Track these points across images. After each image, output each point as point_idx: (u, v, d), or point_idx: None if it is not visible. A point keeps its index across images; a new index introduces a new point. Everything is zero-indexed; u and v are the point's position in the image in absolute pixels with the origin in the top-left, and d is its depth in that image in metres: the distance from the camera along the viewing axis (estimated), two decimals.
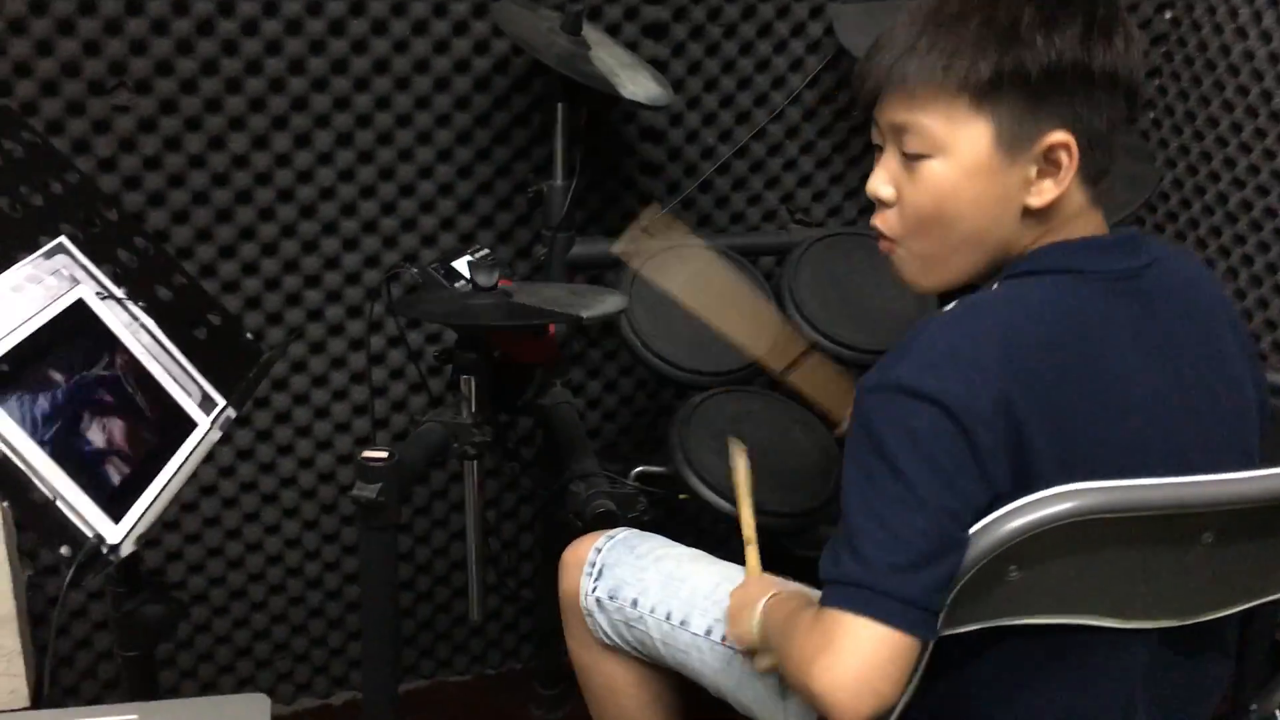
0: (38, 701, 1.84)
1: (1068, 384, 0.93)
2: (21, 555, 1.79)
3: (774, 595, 1.11)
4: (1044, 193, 0.99)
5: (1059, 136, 0.97)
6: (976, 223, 1.01)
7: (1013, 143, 0.98)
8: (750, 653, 1.15)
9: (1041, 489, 0.91)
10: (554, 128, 1.72)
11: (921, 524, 0.89)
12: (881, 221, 1.07)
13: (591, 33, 1.71)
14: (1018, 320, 0.95)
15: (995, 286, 1.01)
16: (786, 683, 1.00)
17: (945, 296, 1.07)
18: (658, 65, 1.85)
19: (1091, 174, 1.01)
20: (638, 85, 1.68)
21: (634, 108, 1.87)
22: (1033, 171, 0.99)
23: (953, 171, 1.00)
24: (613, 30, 1.84)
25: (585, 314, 1.42)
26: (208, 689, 1.97)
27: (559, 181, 1.74)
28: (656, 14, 1.85)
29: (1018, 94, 0.97)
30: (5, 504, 1.70)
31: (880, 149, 1.07)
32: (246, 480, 1.88)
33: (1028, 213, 1.00)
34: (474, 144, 1.83)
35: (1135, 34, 1.00)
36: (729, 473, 1.37)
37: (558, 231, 1.76)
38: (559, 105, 1.71)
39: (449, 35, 1.76)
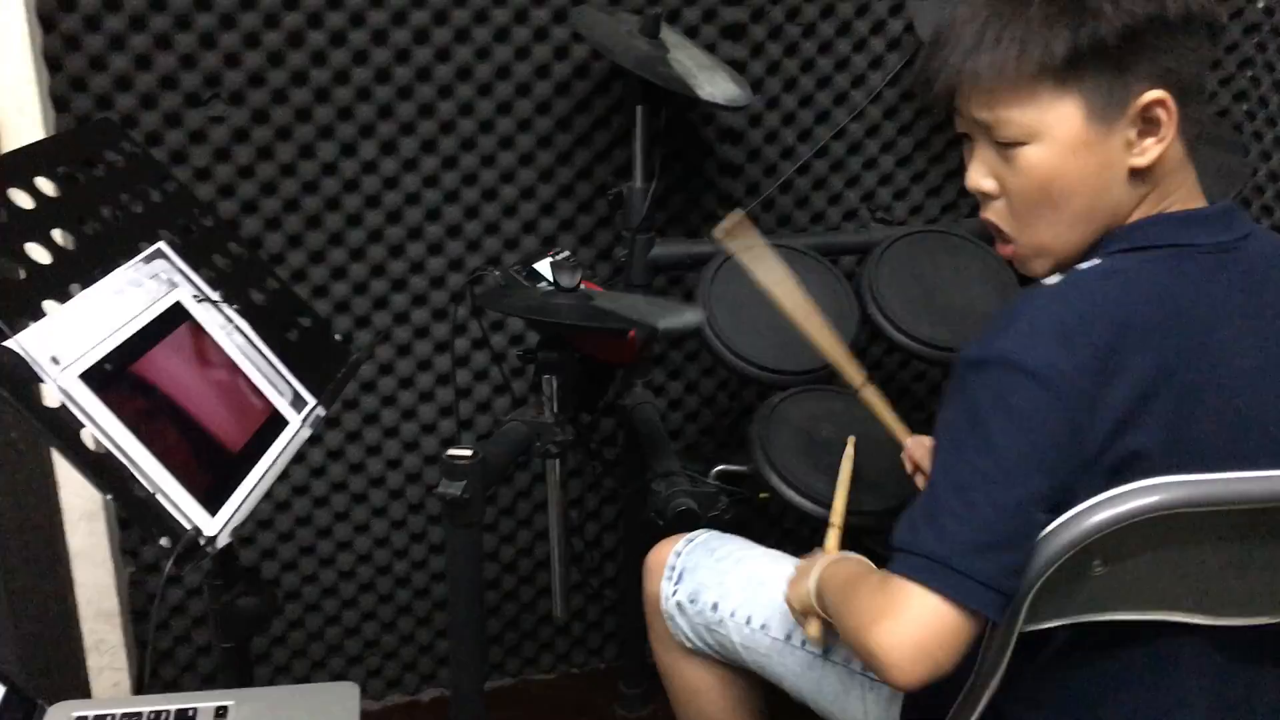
0: (139, 693, 1.90)
1: (1173, 363, 0.91)
2: (124, 554, 1.86)
3: (834, 562, 1.11)
4: (1147, 151, 0.96)
5: (1153, 94, 0.95)
6: (1087, 196, 0.98)
7: (1106, 112, 0.95)
8: (803, 615, 1.15)
9: (1142, 473, 0.89)
10: (633, 130, 1.74)
11: (1007, 503, 0.88)
12: (993, 214, 1.05)
13: (670, 35, 1.73)
14: (1123, 297, 0.93)
15: (1097, 261, 0.98)
16: (843, 638, 1.01)
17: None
18: (736, 66, 1.86)
19: (1188, 124, 0.97)
20: (716, 86, 1.69)
21: (712, 109, 1.87)
22: (1133, 133, 0.96)
23: (1052, 153, 0.97)
24: (691, 32, 1.85)
25: (661, 324, 1.43)
26: (297, 683, 2.02)
27: (639, 183, 1.76)
28: (735, 15, 1.85)
29: (1100, 64, 0.94)
30: (109, 499, 1.77)
31: (968, 138, 1.04)
32: (337, 480, 1.93)
33: (1134, 174, 0.98)
34: (555, 148, 1.85)
35: None
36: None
37: (638, 233, 1.77)
38: (638, 108, 1.72)
39: (530, 41, 1.78)
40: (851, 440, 1.44)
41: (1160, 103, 0.95)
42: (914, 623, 0.88)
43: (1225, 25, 0.92)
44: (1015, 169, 0.99)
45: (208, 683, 1.99)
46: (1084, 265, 0.97)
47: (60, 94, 1.63)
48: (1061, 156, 0.97)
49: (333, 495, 1.93)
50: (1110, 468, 0.90)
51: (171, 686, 1.98)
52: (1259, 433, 0.94)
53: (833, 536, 1.28)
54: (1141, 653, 0.97)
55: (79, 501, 1.77)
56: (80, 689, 1.86)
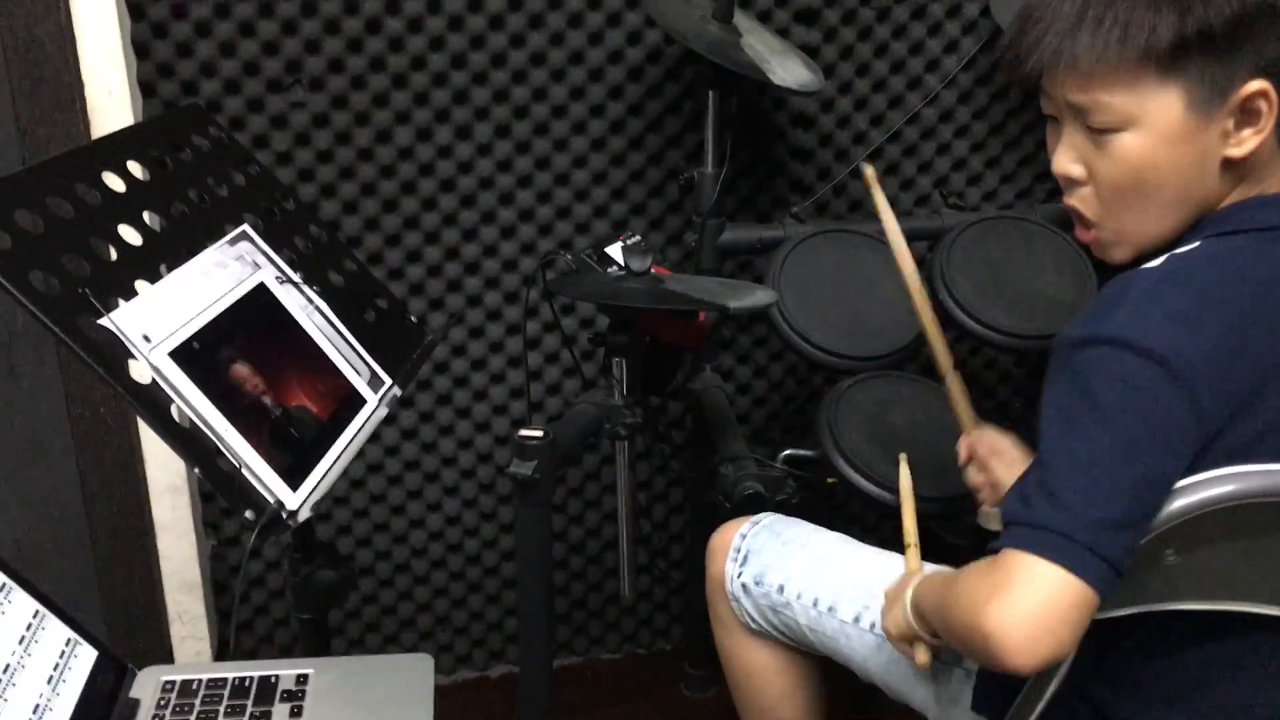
0: (219, 660, 1.96)
1: (1269, 349, 0.89)
2: (206, 527, 1.91)
3: (924, 577, 1.08)
4: (1244, 142, 0.94)
5: (1256, 85, 0.92)
6: (1179, 187, 0.96)
7: (1207, 102, 0.93)
8: (906, 643, 1.12)
9: (1258, 457, 0.88)
10: (705, 115, 1.74)
11: (1131, 481, 0.86)
12: (1078, 201, 1.02)
13: (742, 20, 1.73)
14: (1227, 281, 0.91)
15: (1197, 244, 0.95)
16: (953, 643, 0.95)
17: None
18: (809, 51, 1.85)
19: None
20: (788, 71, 1.69)
21: (784, 94, 1.87)
22: (1230, 124, 0.94)
23: (1148, 142, 0.95)
24: (764, 17, 1.85)
25: (733, 304, 1.43)
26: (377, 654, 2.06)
27: (710, 169, 1.76)
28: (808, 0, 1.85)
29: (1206, 53, 0.91)
30: (195, 473, 1.82)
31: (1055, 121, 1.02)
32: (410, 459, 1.97)
33: (1227, 164, 0.95)
34: (627, 133, 1.87)
35: None
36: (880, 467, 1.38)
37: (708, 218, 1.78)
38: (710, 93, 1.73)
39: (603, 27, 1.79)
40: (903, 458, 1.42)
41: (1263, 94, 0.92)
42: (1035, 597, 0.83)
43: None
44: (1108, 155, 0.97)
45: (285, 653, 2.05)
46: (1183, 249, 0.95)
47: (147, 80, 1.68)
48: (1157, 145, 0.94)
49: (406, 474, 1.97)
50: (1227, 453, 0.88)
51: (250, 656, 2.04)
52: None
53: (913, 556, 1.25)
54: (1224, 644, 0.95)
55: (163, 475, 1.83)
56: (164, 657, 1.93)
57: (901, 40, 1.91)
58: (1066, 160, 1.00)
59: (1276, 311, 0.90)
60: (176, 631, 1.93)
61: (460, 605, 2.08)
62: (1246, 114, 0.93)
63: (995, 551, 0.89)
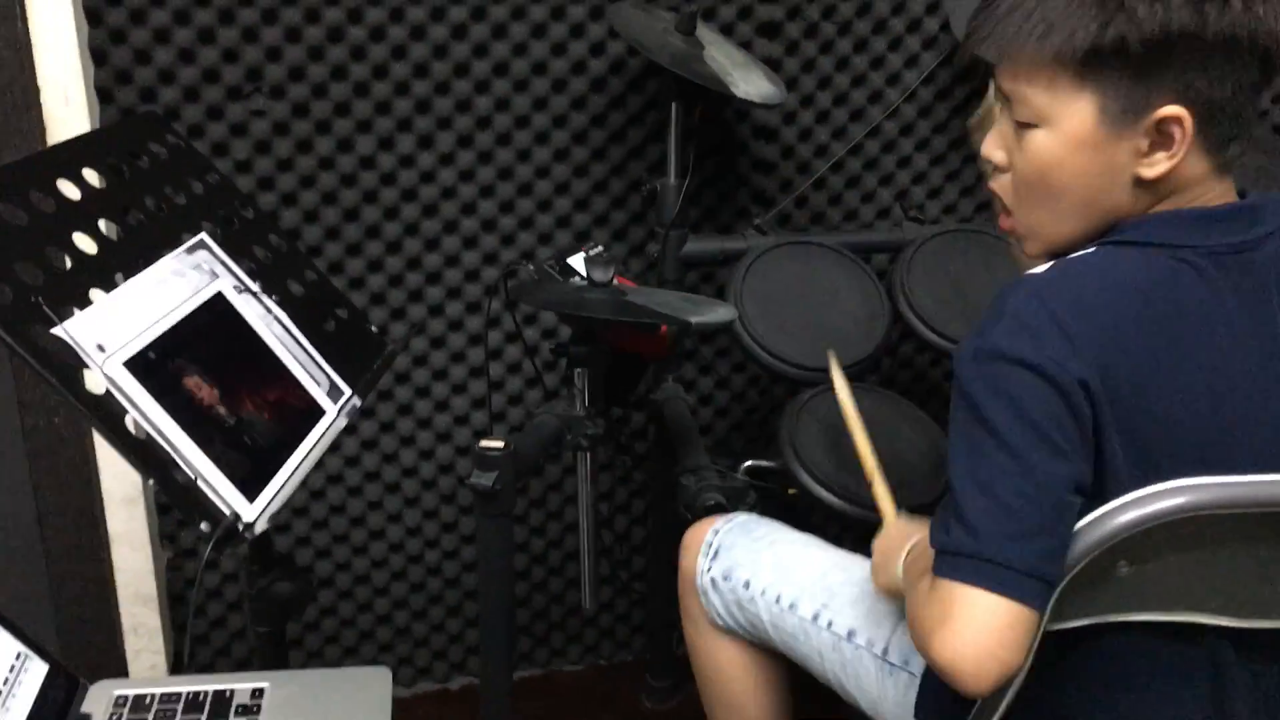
0: (175, 674, 1.94)
1: (1150, 363, 0.90)
2: (162, 539, 1.89)
3: (913, 546, 1.10)
4: (1156, 164, 0.94)
5: (1170, 110, 0.92)
6: (1084, 193, 0.97)
7: (1120, 116, 0.93)
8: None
9: (1111, 473, 0.89)
10: (668, 127, 1.75)
11: (1030, 491, 0.88)
12: (998, 187, 1.05)
13: (705, 32, 1.74)
14: (1107, 290, 0.92)
15: (1090, 250, 0.97)
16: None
17: None
18: (771, 63, 1.87)
19: (1213, 144, 0.94)
20: (751, 84, 1.70)
21: (747, 106, 1.88)
22: (1144, 144, 0.94)
23: (1057, 143, 0.96)
24: (726, 30, 1.86)
25: (695, 320, 1.43)
26: (335, 668, 2.05)
27: (672, 180, 1.77)
28: (770, 12, 1.86)
29: (1122, 67, 0.92)
30: (150, 484, 1.80)
31: (999, 110, 1.04)
32: (370, 470, 1.95)
33: (1140, 182, 0.96)
34: (589, 144, 1.87)
35: None
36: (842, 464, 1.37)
37: (671, 229, 1.79)
38: (673, 105, 1.73)
39: (566, 38, 1.80)
40: (830, 353, 1.39)
41: (1178, 119, 0.92)
42: (970, 626, 0.87)
43: None
44: (1023, 149, 0.99)
45: (242, 666, 2.02)
46: (1076, 255, 0.97)
47: (105, 86, 1.66)
48: (1065, 149, 0.96)
49: (366, 484, 1.96)
50: (1144, 464, 0.90)
51: (206, 669, 2.01)
52: (1251, 446, 0.93)
53: (882, 496, 1.24)
54: (1176, 653, 0.97)
55: (119, 487, 1.81)
56: (118, 670, 1.90)
57: (863, 54, 1.92)
58: (991, 146, 1.03)
59: (1156, 322, 0.91)
60: (131, 645, 1.90)
61: (421, 617, 2.07)
62: (1161, 136, 0.94)
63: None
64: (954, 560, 0.89)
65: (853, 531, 2.15)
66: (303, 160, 1.77)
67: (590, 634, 2.17)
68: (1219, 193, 0.98)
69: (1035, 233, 1.03)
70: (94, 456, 1.78)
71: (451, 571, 2.05)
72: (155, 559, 1.87)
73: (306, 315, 1.34)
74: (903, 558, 1.11)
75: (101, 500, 1.81)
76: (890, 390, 1.82)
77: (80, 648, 1.87)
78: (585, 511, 1.65)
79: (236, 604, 1.97)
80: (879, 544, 1.20)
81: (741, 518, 1.44)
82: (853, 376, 1.69)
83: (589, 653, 2.19)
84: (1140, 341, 0.91)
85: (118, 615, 1.88)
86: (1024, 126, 0.99)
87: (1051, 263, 0.96)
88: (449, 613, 2.07)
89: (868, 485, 1.27)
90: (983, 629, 0.87)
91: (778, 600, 1.32)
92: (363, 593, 2.02)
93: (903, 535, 1.15)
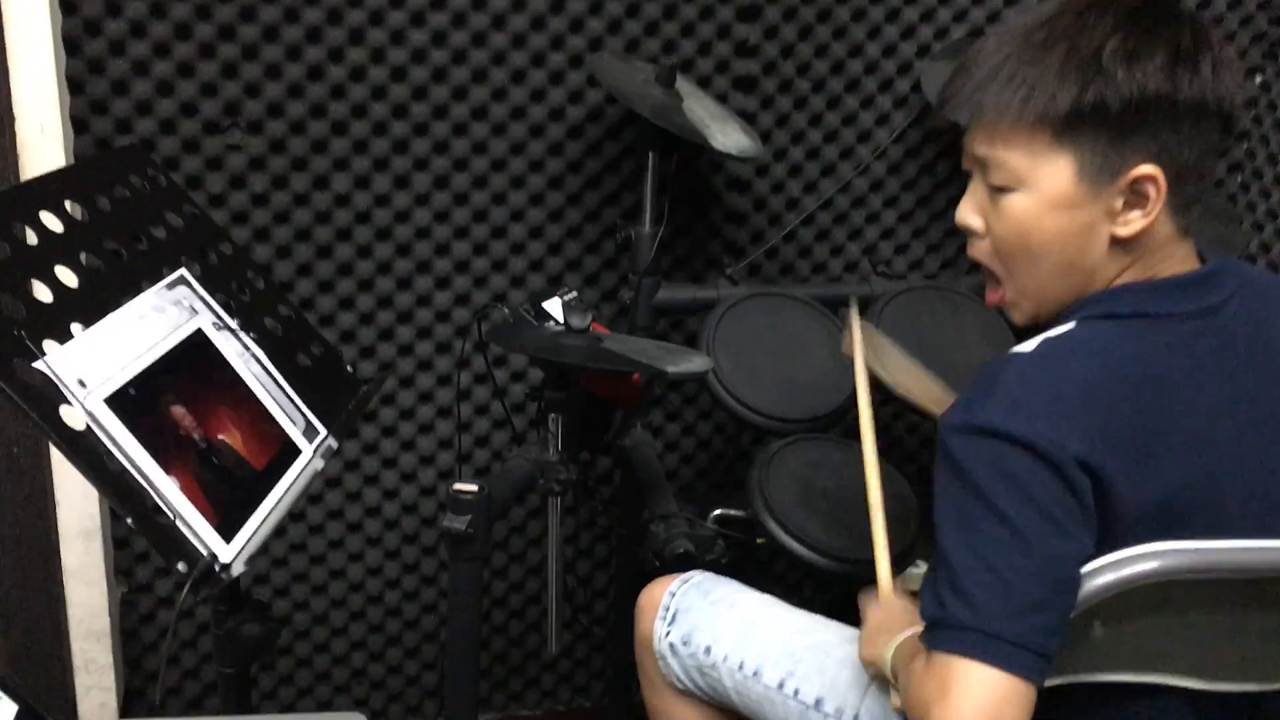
0: (125, 714, 1.90)
1: (1142, 434, 0.92)
2: (117, 574, 1.86)
3: (910, 634, 1.07)
4: (1131, 224, 0.98)
5: (1145, 169, 0.96)
6: (1064, 254, 1.00)
7: (1097, 176, 0.97)
8: (882, 679, 1.12)
9: (1123, 542, 0.91)
10: (644, 175, 1.77)
11: (1031, 568, 0.88)
12: (978, 252, 1.07)
13: (684, 85, 1.76)
14: (1096, 367, 0.94)
15: (1071, 326, 0.99)
16: None
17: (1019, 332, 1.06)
18: (746, 117, 1.90)
19: (1180, 204, 0.99)
20: (728, 137, 1.72)
21: (722, 158, 1.91)
22: (1119, 203, 0.97)
23: (1036, 205, 0.99)
24: (703, 82, 1.88)
25: (671, 369, 1.44)
26: (285, 711, 2.01)
27: (647, 228, 1.78)
28: (747, 68, 1.89)
29: (1100, 127, 0.95)
30: (108, 518, 1.77)
31: (971, 175, 1.06)
32: (333, 508, 1.94)
33: (1115, 242, 0.99)
34: (565, 189, 1.88)
35: (1227, 58, 0.98)
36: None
37: (644, 276, 1.80)
38: (650, 153, 1.75)
39: (545, 84, 1.81)
40: (856, 324, 1.38)
41: (1151, 179, 0.96)
42: (970, 702, 0.87)
43: (1241, 121, 0.92)
44: (1000, 213, 1.02)
45: (193, 706, 1.98)
46: (1056, 331, 0.98)
47: (80, 116, 1.65)
48: (1044, 210, 0.99)
49: (328, 522, 1.94)
50: (1100, 534, 0.91)
51: (157, 710, 1.97)
52: (1238, 506, 0.96)
53: (882, 553, 1.24)
54: (1145, 713, 0.98)
55: (76, 519, 1.77)
56: (67, 708, 1.85)
57: (835, 111, 1.96)
58: (967, 211, 1.06)
59: (1142, 392, 0.94)
60: (81, 681, 1.86)
61: (378, 659, 2.04)
62: (1135, 195, 0.97)
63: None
64: (951, 633, 0.89)
65: (813, 581, 2.17)
66: (278, 196, 1.76)
67: (548, 679, 2.16)
68: (1182, 256, 1.02)
69: (1023, 296, 1.05)
70: (52, 489, 1.75)
71: (411, 613, 2.03)
72: (110, 594, 1.84)
73: (283, 353, 1.34)
74: (897, 643, 1.08)
75: (57, 533, 1.78)
76: (857, 443, 1.83)
77: (29, 684, 1.82)
78: (553, 556, 1.64)
79: (191, 642, 1.93)
80: (877, 618, 1.16)
81: (697, 578, 1.42)
82: (819, 429, 1.71)
83: (546, 698, 2.17)
84: (1130, 414, 0.92)
85: (69, 651, 1.84)
86: (1000, 191, 1.01)
87: (1038, 340, 0.97)
88: (406, 655, 2.05)
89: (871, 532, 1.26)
90: (982, 703, 0.87)
91: (740, 667, 1.29)
92: (319, 633, 2.00)
93: (906, 619, 1.12)
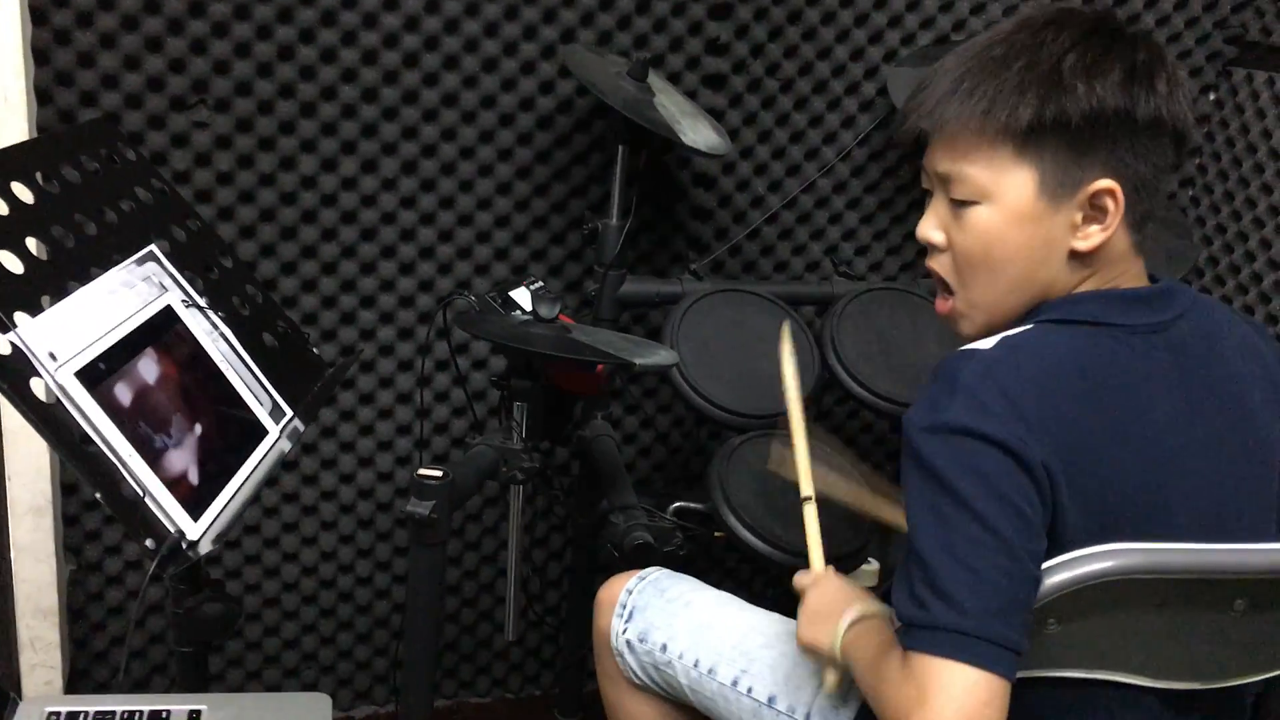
0: (70, 692, 1.88)
1: (1095, 438, 0.94)
2: (67, 552, 1.84)
3: (858, 621, 1.07)
4: (1090, 237, 1.00)
5: (1104, 183, 0.98)
6: (1024, 267, 1.02)
7: (1057, 189, 0.99)
8: (821, 663, 1.12)
9: (1068, 543, 0.93)
10: (613, 168, 1.78)
11: (1008, 566, 0.89)
12: (938, 265, 1.08)
13: (656, 80, 1.77)
14: (1051, 369, 0.96)
15: (1029, 327, 1.01)
16: None
17: None
18: (714, 114, 1.91)
19: (1136, 219, 1.01)
20: (698, 133, 1.74)
21: (690, 154, 1.92)
22: (1078, 217, 1.00)
23: (999, 218, 1.01)
24: (674, 78, 1.90)
25: (638, 362, 1.46)
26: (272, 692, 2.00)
27: (614, 221, 1.79)
28: (717, 65, 1.91)
29: (1060, 140, 0.98)
30: (53, 502, 1.75)
31: (930, 194, 1.08)
32: (289, 491, 1.93)
33: (1073, 255, 1.01)
34: (533, 179, 1.89)
35: (1181, 78, 1.00)
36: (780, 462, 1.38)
37: (610, 269, 1.81)
38: (620, 147, 1.76)
39: (517, 74, 1.82)
40: (789, 346, 1.38)
41: (1110, 192, 0.98)
42: (952, 702, 0.86)
43: (1193, 139, 0.95)
44: (963, 227, 1.03)
45: (139, 686, 1.97)
46: (1015, 331, 1.00)
47: (44, 87, 1.62)
48: (1007, 223, 1.01)
49: (283, 505, 1.93)
50: (1086, 531, 0.93)
51: (102, 688, 1.95)
52: (1185, 511, 0.98)
53: (813, 528, 1.25)
54: (1096, 710, 1.01)
55: (28, 496, 1.75)
56: (11, 684, 1.83)
57: (803, 112, 1.98)
58: (929, 226, 1.07)
59: (1097, 396, 0.96)
60: (27, 659, 1.83)
61: (330, 643, 2.04)
62: (1094, 209, 1.00)
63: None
64: (934, 635, 0.89)
65: (769, 573, 2.20)
66: (244, 175, 1.75)
67: (499, 667, 2.16)
68: (1135, 273, 1.05)
69: (974, 308, 1.07)
70: (3, 463, 1.73)
71: (364, 598, 2.02)
72: (59, 572, 1.81)
73: (250, 333, 1.33)
74: (843, 628, 1.07)
75: (6, 509, 1.75)
76: (815, 442, 1.86)
77: None
78: (514, 544, 1.65)
79: (140, 621, 1.91)
80: (812, 600, 1.15)
81: (654, 575, 1.42)
82: (777, 425, 1.73)
83: (497, 686, 2.18)
84: (1085, 417, 0.95)
85: (14, 628, 1.81)
86: (962, 204, 1.03)
87: (996, 339, 0.99)
88: (358, 640, 2.05)
89: (804, 500, 1.27)
90: (965, 705, 0.86)
91: (695, 665, 1.30)
92: (270, 616, 1.99)
93: (842, 599, 1.12)
